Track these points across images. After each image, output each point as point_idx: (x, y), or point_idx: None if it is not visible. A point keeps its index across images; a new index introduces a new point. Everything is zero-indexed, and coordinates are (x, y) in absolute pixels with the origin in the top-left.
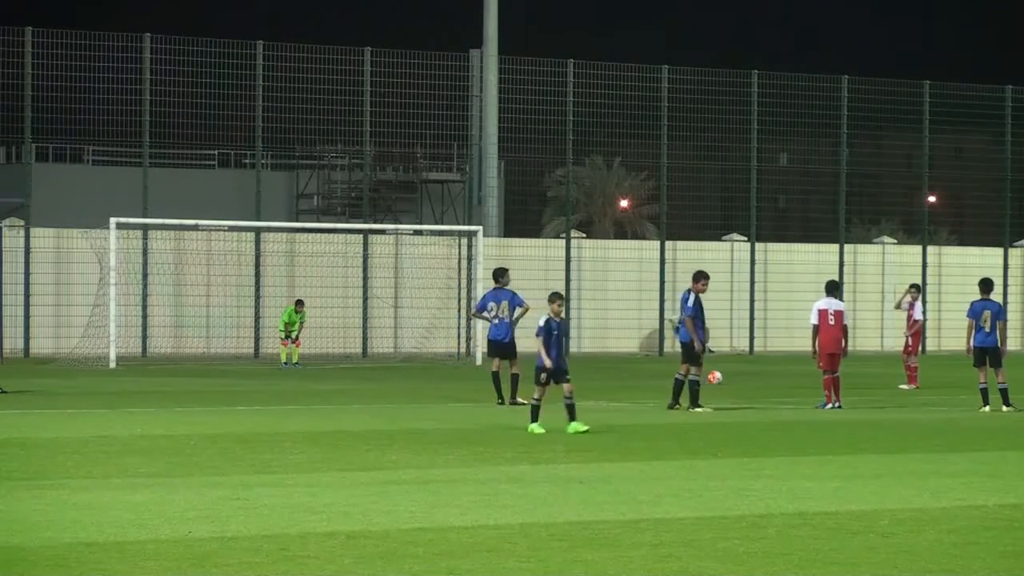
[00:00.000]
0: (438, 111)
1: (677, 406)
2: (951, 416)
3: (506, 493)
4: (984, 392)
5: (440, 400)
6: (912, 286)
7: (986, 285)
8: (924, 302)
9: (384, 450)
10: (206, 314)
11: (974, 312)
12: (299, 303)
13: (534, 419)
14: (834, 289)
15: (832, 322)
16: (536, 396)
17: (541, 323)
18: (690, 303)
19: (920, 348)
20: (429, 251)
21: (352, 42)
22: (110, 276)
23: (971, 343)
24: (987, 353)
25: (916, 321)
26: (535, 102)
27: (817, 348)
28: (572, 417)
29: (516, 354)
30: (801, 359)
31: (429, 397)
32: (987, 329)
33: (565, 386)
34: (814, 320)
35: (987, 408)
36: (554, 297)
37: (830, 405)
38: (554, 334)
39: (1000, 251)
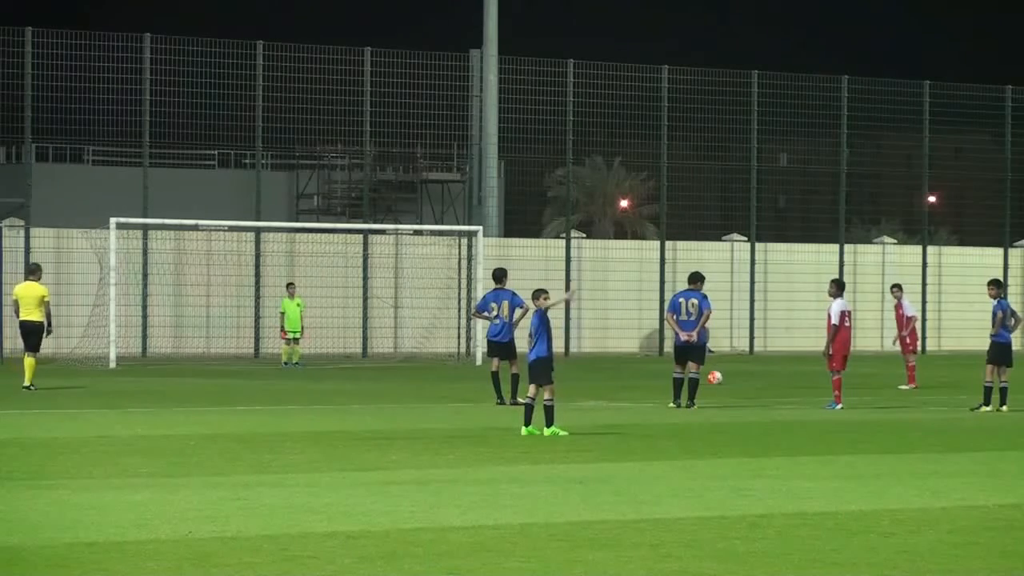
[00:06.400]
0: (438, 111)
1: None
2: (951, 416)
3: (506, 493)
4: (988, 391)
5: (440, 400)
6: (894, 286)
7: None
8: (924, 301)
9: (384, 450)
10: (206, 314)
11: (1003, 306)
12: (289, 286)
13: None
14: (843, 288)
15: (848, 323)
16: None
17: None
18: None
19: (917, 346)
20: (429, 251)
21: (352, 42)
22: (110, 276)
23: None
24: (1009, 351)
25: (910, 318)
26: (535, 102)
27: (831, 349)
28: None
29: (516, 354)
30: (801, 359)
31: (429, 397)
32: (1011, 326)
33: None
34: (836, 320)
35: (988, 407)
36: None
37: (840, 406)
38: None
39: (1000, 251)
